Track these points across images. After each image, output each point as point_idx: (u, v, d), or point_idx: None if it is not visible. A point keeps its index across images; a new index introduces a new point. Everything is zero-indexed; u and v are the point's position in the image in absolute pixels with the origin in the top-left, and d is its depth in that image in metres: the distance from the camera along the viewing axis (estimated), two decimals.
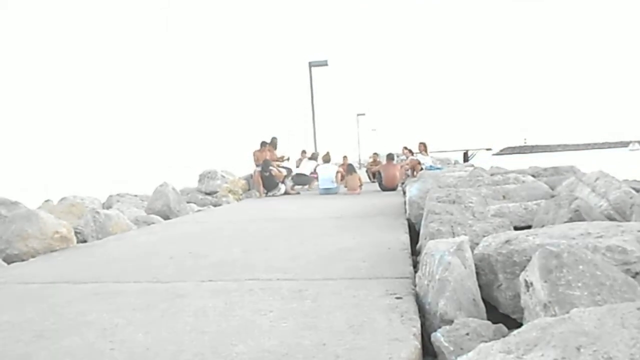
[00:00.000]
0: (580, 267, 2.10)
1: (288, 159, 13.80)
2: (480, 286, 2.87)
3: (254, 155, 12.94)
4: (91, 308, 2.75)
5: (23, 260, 4.56)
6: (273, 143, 13.47)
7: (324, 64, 20.48)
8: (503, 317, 2.75)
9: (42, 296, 3.09)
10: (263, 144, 13.01)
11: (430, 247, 3.16)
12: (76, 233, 6.03)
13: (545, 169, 7.97)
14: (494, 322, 2.59)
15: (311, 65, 20.63)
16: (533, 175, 7.78)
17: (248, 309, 2.62)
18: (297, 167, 14.00)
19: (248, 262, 3.93)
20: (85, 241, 5.97)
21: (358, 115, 50.47)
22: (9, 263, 4.48)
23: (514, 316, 2.66)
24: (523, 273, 2.28)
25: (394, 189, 11.62)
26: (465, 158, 53.46)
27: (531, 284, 2.22)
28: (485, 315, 2.57)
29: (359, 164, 32.27)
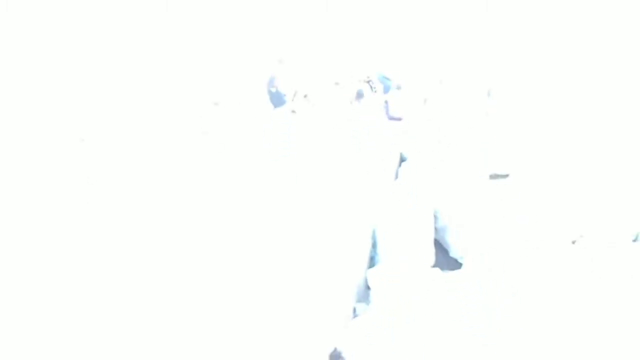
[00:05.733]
0: None
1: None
2: (436, 229, 2.99)
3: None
4: None
5: None
6: None
7: None
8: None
9: None
10: None
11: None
12: None
13: None
14: (444, 265, 2.75)
15: None
16: None
17: None
18: None
19: None
20: None
21: None
22: None
23: (461, 261, 2.80)
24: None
25: (400, 119, 11.52)
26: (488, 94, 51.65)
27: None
28: (433, 257, 2.71)
29: None
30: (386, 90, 11.07)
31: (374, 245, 2.88)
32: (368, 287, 2.38)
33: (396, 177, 4.63)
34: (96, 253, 2.77)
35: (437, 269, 2.47)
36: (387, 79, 11.28)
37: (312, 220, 3.12)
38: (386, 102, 11.58)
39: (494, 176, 3.85)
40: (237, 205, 4.23)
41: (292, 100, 13.20)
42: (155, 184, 6.38)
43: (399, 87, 11.07)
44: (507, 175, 3.81)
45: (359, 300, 2.34)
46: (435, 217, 2.97)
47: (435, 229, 2.96)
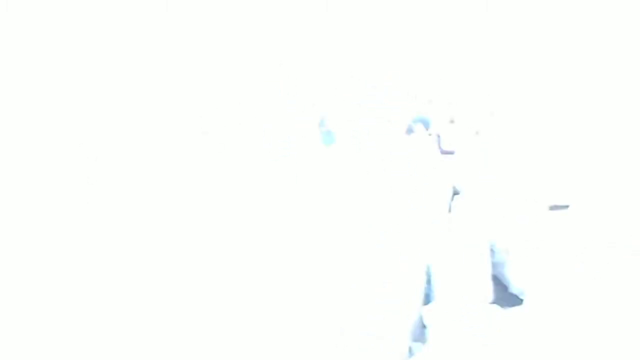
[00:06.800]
0: None
1: None
2: (494, 264, 2.89)
3: None
4: None
5: None
6: None
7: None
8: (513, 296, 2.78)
9: None
10: None
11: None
12: None
13: None
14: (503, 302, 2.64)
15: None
16: None
17: None
18: None
19: None
20: None
21: None
22: None
23: (522, 297, 2.67)
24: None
25: (452, 153, 11.36)
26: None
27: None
28: (491, 293, 2.61)
29: None
30: (426, 126, 11.01)
31: (428, 282, 2.81)
32: (424, 326, 2.32)
33: (450, 210, 4.55)
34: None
35: (496, 306, 2.37)
36: (427, 119, 11.21)
37: (365, 256, 3.10)
38: (438, 135, 11.48)
39: (553, 207, 3.69)
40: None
41: (344, 138, 13.28)
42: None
43: (451, 121, 10.95)
44: (567, 206, 3.64)
45: (414, 339, 2.28)
46: (492, 251, 2.87)
47: (493, 264, 2.86)
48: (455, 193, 5.49)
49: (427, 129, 12.60)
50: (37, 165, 6.04)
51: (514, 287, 2.75)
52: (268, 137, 12.68)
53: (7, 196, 4.85)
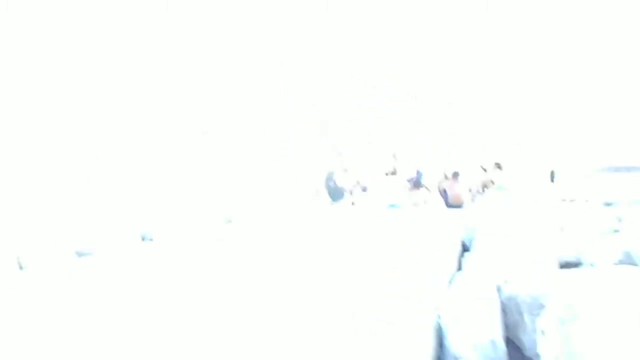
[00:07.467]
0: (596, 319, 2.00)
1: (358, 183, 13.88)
2: (506, 326, 2.80)
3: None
4: None
5: None
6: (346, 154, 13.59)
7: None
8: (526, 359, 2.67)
9: None
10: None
11: (459, 281, 3.12)
12: None
13: (624, 198, 7.40)
14: None
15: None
16: (609, 204, 7.26)
17: None
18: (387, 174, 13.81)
19: None
20: None
21: None
22: None
23: None
24: (539, 320, 2.21)
25: (459, 207, 11.30)
26: (552, 178, 50.02)
27: (545, 332, 2.15)
28: (504, 356, 2.51)
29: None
30: (420, 177, 11.16)
31: (440, 345, 2.72)
32: None
33: (459, 267, 4.47)
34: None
35: None
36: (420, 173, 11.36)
37: (374, 311, 3.02)
38: (444, 190, 11.49)
39: (564, 264, 3.61)
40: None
41: (351, 193, 13.36)
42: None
43: (456, 175, 10.97)
44: (579, 264, 3.57)
45: None
46: (504, 311, 2.79)
47: (506, 325, 2.77)
48: (465, 249, 5.42)
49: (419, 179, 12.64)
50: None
51: (529, 350, 2.65)
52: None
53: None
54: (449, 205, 11.70)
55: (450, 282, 3.79)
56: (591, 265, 3.36)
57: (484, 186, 13.06)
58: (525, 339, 2.65)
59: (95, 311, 3.13)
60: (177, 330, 2.77)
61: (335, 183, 12.15)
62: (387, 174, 14.27)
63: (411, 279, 4.02)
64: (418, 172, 13.74)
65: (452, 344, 2.50)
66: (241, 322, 2.88)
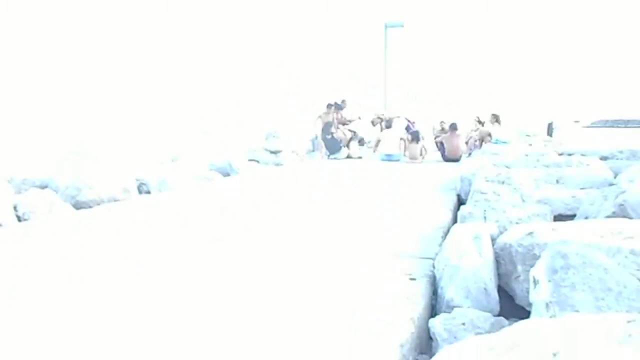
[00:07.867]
0: (588, 270, 2.04)
1: (359, 118, 13.75)
2: (499, 275, 2.85)
3: (319, 117, 13.00)
4: None
5: (90, 207, 5.07)
6: (339, 105, 13.43)
7: (399, 25, 19.90)
8: (519, 308, 2.74)
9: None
10: (328, 106, 13.03)
11: (454, 231, 3.16)
12: (142, 184, 6.56)
13: (621, 151, 7.38)
14: (509, 313, 2.60)
15: (387, 26, 20.13)
16: (605, 157, 7.26)
17: None
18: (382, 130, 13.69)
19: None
20: (149, 192, 6.47)
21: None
22: (77, 209, 5.00)
23: (528, 309, 2.63)
24: (532, 269, 2.25)
25: (457, 160, 11.31)
26: (549, 131, 49.95)
27: (537, 281, 2.19)
28: (496, 305, 2.57)
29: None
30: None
31: (434, 293, 2.78)
32: (430, 338, 2.29)
33: (454, 220, 4.50)
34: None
35: (502, 318, 2.34)
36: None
37: (368, 263, 3.06)
38: (442, 142, 11.44)
39: (558, 216, 3.65)
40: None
41: (348, 146, 13.28)
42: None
43: (453, 128, 10.91)
44: (574, 216, 3.61)
45: (420, 352, 2.24)
46: (497, 261, 2.84)
47: (499, 274, 2.83)
48: (461, 203, 5.45)
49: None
50: (36, 164, 6.08)
51: (521, 299, 2.71)
52: (268, 136, 12.63)
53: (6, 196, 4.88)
54: (446, 158, 11.72)
55: (444, 233, 3.84)
56: (585, 217, 3.39)
57: (481, 139, 13.03)
58: (517, 288, 2.71)
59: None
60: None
61: (332, 136, 12.10)
62: (380, 127, 14.19)
63: (406, 229, 4.07)
64: (414, 127, 13.65)
65: (446, 292, 2.55)
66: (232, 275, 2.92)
